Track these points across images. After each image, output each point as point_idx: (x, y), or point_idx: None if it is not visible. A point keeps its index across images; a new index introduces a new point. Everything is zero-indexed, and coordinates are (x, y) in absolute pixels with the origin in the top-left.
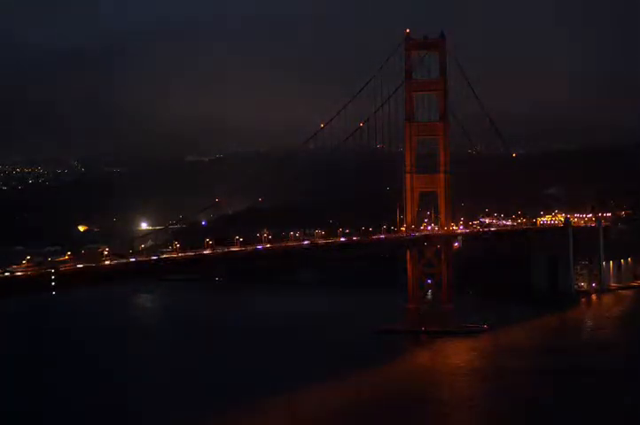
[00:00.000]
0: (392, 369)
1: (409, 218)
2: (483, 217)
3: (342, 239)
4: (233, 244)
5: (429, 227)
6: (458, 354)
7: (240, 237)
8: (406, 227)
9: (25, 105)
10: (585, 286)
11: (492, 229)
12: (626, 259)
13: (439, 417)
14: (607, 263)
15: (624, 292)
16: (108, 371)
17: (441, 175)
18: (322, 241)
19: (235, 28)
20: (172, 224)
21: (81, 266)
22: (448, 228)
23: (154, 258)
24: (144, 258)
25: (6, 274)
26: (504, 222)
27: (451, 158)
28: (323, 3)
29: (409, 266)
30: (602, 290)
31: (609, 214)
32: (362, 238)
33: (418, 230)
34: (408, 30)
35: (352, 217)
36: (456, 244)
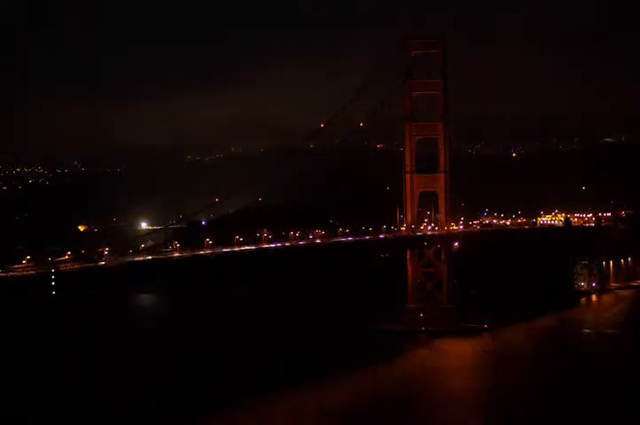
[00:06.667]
0: (391, 369)
1: (409, 218)
2: (482, 218)
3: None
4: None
5: (429, 227)
6: (458, 354)
7: (240, 237)
8: (406, 227)
9: (25, 105)
10: (585, 286)
11: (491, 229)
12: (626, 259)
13: (439, 417)
14: (607, 263)
15: (624, 292)
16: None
17: (441, 175)
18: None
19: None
20: (172, 224)
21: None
22: (448, 228)
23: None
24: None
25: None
26: (504, 222)
27: (451, 158)
28: (324, 3)
29: (409, 266)
30: (602, 290)
31: (609, 214)
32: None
33: (419, 230)
34: (408, 29)
35: (352, 217)
36: (456, 244)
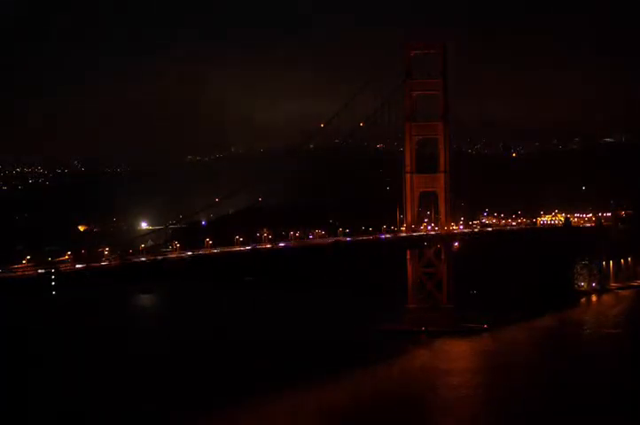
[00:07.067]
0: (391, 369)
1: (409, 218)
2: (483, 218)
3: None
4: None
5: (429, 227)
6: (458, 354)
7: (240, 237)
8: (406, 227)
9: (25, 105)
10: (585, 286)
11: (491, 229)
12: (626, 259)
13: (438, 417)
14: (607, 263)
15: (624, 292)
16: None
17: (441, 175)
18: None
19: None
20: (172, 224)
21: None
22: (448, 228)
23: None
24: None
25: None
26: (504, 222)
27: (451, 158)
28: (323, 3)
29: (409, 266)
30: (602, 290)
31: (609, 214)
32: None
33: (419, 230)
34: (408, 30)
35: (352, 217)
36: (456, 244)
